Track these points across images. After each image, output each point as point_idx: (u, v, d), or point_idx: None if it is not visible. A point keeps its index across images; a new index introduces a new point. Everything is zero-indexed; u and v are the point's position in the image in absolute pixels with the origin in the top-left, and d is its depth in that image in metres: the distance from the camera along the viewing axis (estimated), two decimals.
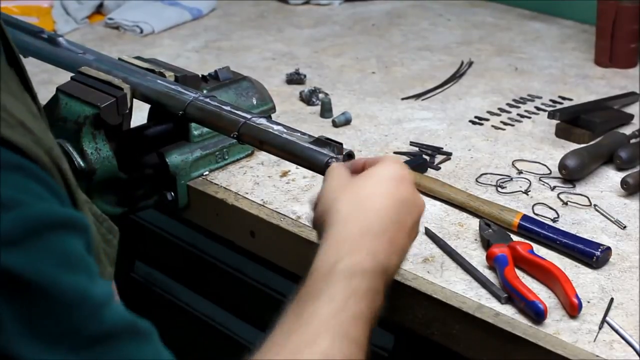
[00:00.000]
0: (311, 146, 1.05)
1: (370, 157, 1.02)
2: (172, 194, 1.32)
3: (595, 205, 1.27)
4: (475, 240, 1.20)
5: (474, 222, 1.23)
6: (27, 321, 0.62)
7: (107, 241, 0.83)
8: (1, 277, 0.61)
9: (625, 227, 1.22)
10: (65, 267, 0.64)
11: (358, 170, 0.99)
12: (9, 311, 0.61)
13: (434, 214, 1.26)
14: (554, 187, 1.32)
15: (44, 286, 0.62)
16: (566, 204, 1.28)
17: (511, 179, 1.35)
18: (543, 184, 1.33)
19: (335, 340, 0.79)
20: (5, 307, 0.61)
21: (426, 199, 1.29)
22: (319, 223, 0.94)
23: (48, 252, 0.63)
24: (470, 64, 1.80)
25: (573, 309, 1.04)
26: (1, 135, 0.63)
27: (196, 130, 1.32)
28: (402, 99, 1.65)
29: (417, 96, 1.66)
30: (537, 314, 1.03)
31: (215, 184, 1.34)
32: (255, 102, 1.39)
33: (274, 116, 1.38)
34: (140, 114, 1.36)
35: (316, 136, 1.07)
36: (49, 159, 0.67)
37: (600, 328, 1.02)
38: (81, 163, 1.23)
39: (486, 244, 1.17)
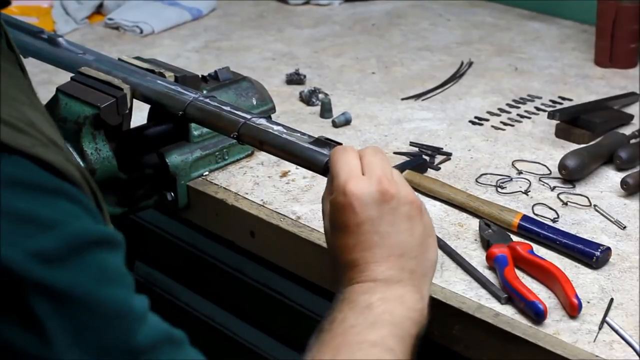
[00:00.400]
0: (311, 146, 1.05)
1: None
2: (172, 194, 1.32)
3: (595, 205, 1.27)
4: (475, 240, 1.20)
5: (474, 223, 1.23)
6: (74, 334, 0.64)
7: None
8: (47, 294, 0.63)
9: (625, 227, 1.22)
10: (105, 282, 0.67)
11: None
12: (56, 325, 0.64)
13: (434, 214, 1.26)
14: (554, 187, 1.32)
15: (87, 301, 0.65)
16: (566, 204, 1.28)
17: (511, 179, 1.35)
18: (543, 184, 1.33)
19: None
20: (53, 321, 0.63)
21: (426, 199, 1.29)
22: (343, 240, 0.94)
23: (88, 269, 0.66)
24: (470, 64, 1.80)
25: (573, 309, 1.04)
26: (37, 155, 0.66)
27: (196, 130, 1.32)
28: (402, 99, 1.65)
29: (417, 96, 1.66)
30: (537, 314, 1.03)
31: (215, 184, 1.34)
32: (255, 103, 1.39)
33: (273, 116, 1.38)
34: (140, 114, 1.36)
35: (316, 136, 1.07)
36: (80, 174, 0.69)
37: (600, 328, 1.02)
38: (81, 163, 1.22)
39: (486, 244, 1.17)
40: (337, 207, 0.92)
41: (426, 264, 0.95)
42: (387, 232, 0.91)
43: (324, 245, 1.18)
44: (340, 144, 1.04)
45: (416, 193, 0.98)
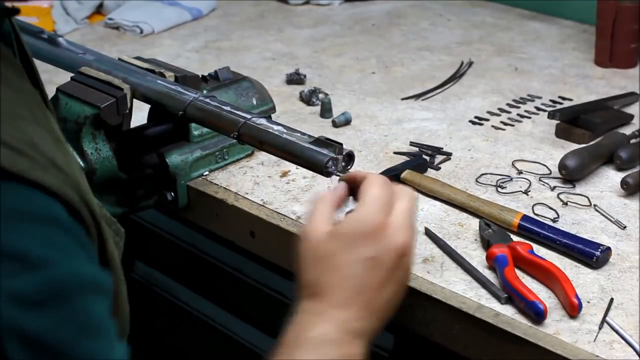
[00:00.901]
0: (311, 146, 1.05)
1: (359, 174, 0.95)
2: (172, 194, 1.32)
3: (595, 205, 1.27)
4: (475, 240, 1.20)
5: (474, 222, 1.23)
6: None
7: (115, 243, 0.84)
8: (22, 339, 0.60)
9: (625, 227, 1.22)
10: (86, 333, 0.63)
11: (343, 197, 0.94)
12: None
13: (434, 214, 1.26)
14: (554, 187, 1.32)
15: (64, 351, 0.62)
16: (566, 204, 1.28)
17: (511, 179, 1.35)
18: (543, 184, 1.33)
19: None
20: None
21: (426, 199, 1.29)
22: (297, 283, 0.90)
23: (71, 317, 0.63)
24: (470, 64, 1.80)
25: (573, 309, 1.04)
26: (35, 179, 0.63)
27: (196, 130, 1.32)
28: (402, 99, 1.65)
29: (417, 96, 1.66)
30: (537, 314, 1.03)
31: (215, 184, 1.34)
32: (255, 102, 1.39)
33: (274, 116, 1.38)
34: (140, 114, 1.36)
35: (316, 136, 1.07)
36: (79, 197, 0.67)
37: (600, 328, 1.02)
38: (81, 163, 1.22)
39: (486, 244, 1.17)
40: (356, 230, 0.86)
41: (380, 326, 0.90)
42: (381, 282, 0.87)
43: None
44: (340, 144, 1.04)
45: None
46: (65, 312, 0.62)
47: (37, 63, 1.41)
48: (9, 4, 0.79)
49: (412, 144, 1.47)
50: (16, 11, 0.80)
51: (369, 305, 0.86)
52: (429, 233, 1.21)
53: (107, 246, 0.72)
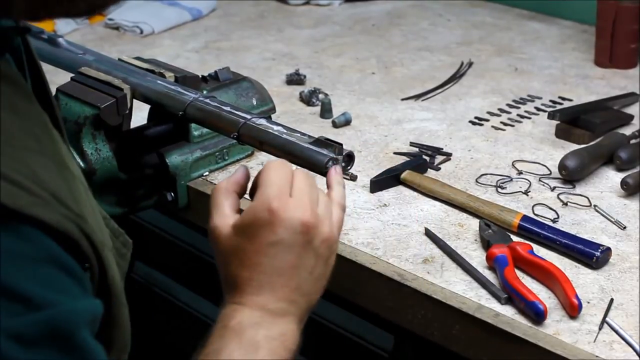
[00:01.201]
0: (311, 147, 1.05)
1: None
2: (172, 194, 1.32)
3: (595, 205, 1.27)
4: (475, 240, 1.20)
5: (474, 223, 1.23)
6: None
7: (122, 255, 0.85)
8: None
9: (625, 227, 1.22)
10: None
11: (242, 182, 0.94)
12: None
13: (434, 214, 1.26)
14: (554, 187, 1.32)
15: None
16: (566, 204, 1.28)
17: (511, 180, 1.35)
18: (543, 185, 1.33)
19: None
20: None
21: (426, 200, 1.29)
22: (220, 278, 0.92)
23: (69, 352, 0.65)
24: (470, 64, 1.80)
25: (573, 310, 1.04)
26: (34, 215, 0.64)
27: (196, 130, 1.32)
28: (402, 99, 1.65)
29: (417, 96, 1.66)
30: (537, 315, 1.03)
31: (215, 184, 1.34)
32: (255, 103, 1.39)
33: (274, 117, 1.38)
34: (140, 114, 1.36)
35: (316, 137, 1.07)
36: (79, 230, 0.68)
37: (600, 328, 1.02)
38: (81, 163, 1.23)
39: (486, 244, 1.17)
40: (254, 220, 0.87)
41: (312, 302, 0.90)
42: (293, 263, 0.87)
43: None
44: (340, 144, 1.04)
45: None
46: (64, 348, 0.65)
47: None
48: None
49: (412, 144, 1.47)
50: (27, 30, 0.80)
51: (286, 286, 0.87)
52: (429, 233, 1.21)
53: (108, 273, 0.73)
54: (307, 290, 0.88)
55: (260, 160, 1.40)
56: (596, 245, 1.14)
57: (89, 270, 0.70)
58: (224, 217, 0.91)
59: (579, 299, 1.04)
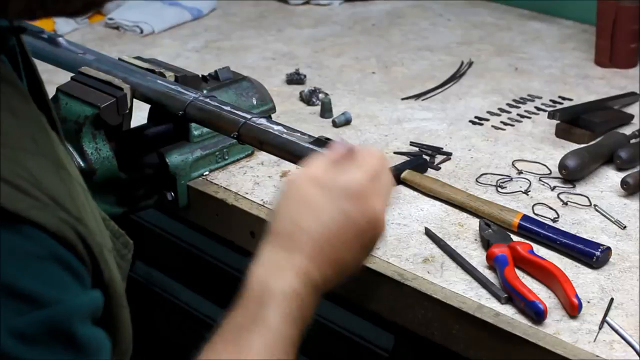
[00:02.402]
0: (311, 146, 1.05)
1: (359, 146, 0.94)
2: (172, 194, 1.32)
3: (595, 205, 1.27)
4: (475, 240, 1.20)
5: (474, 222, 1.23)
6: None
7: (122, 256, 0.85)
8: None
9: (625, 227, 1.22)
10: (87, 355, 0.67)
11: (341, 157, 0.92)
12: None
13: (434, 214, 1.26)
14: (554, 187, 1.32)
15: None
16: (566, 204, 1.28)
17: (511, 179, 1.35)
18: (543, 184, 1.33)
19: None
20: None
21: (426, 199, 1.29)
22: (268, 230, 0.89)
23: (71, 346, 0.66)
24: (470, 64, 1.80)
25: (573, 309, 1.04)
26: (32, 218, 0.65)
27: (196, 130, 1.32)
28: (402, 99, 1.65)
29: (417, 96, 1.66)
30: (537, 314, 1.03)
31: (215, 184, 1.34)
32: (255, 102, 1.39)
33: (274, 116, 1.38)
34: (140, 114, 1.36)
35: (316, 136, 1.07)
36: (76, 234, 0.68)
37: (600, 328, 1.02)
38: (81, 163, 1.23)
39: (486, 244, 1.17)
40: (363, 193, 0.87)
41: (331, 284, 0.88)
42: (347, 249, 0.87)
43: None
44: None
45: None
46: (67, 345, 0.66)
47: (37, 63, 1.41)
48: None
49: (412, 143, 1.47)
50: (22, 29, 0.80)
51: (332, 260, 0.86)
52: (429, 233, 1.21)
53: (105, 275, 0.73)
54: (342, 273, 0.88)
55: (260, 160, 1.40)
56: (596, 245, 1.14)
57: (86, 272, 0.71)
58: (315, 168, 0.89)
59: (579, 299, 1.04)
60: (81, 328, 0.67)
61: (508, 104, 1.61)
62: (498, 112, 1.58)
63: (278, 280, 0.84)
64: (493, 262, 1.12)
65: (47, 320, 0.65)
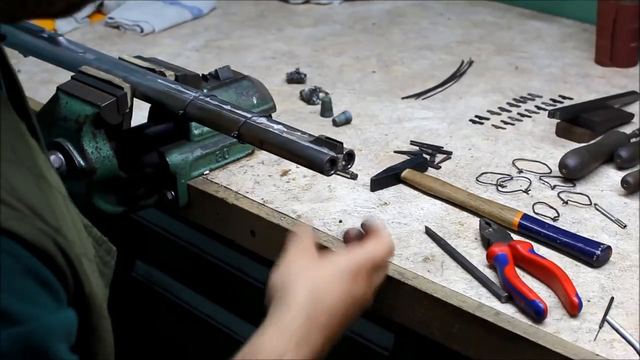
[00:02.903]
0: (311, 145, 1.05)
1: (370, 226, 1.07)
2: (173, 193, 1.32)
3: (595, 204, 1.27)
4: (476, 239, 1.20)
5: (474, 221, 1.23)
6: None
7: (105, 263, 0.84)
8: None
9: (625, 226, 1.22)
10: None
11: (353, 239, 1.08)
12: None
13: (435, 213, 1.26)
14: (554, 186, 1.32)
15: None
16: (566, 203, 1.28)
17: (511, 178, 1.35)
18: (543, 183, 1.33)
19: None
20: None
21: (427, 198, 1.29)
22: (273, 292, 0.98)
23: None
24: (471, 63, 1.80)
25: (573, 308, 1.04)
26: (11, 229, 0.64)
27: (196, 129, 1.32)
28: (403, 98, 1.65)
29: (417, 95, 1.66)
30: (537, 313, 1.03)
31: (216, 183, 1.34)
32: (255, 102, 1.39)
33: (274, 115, 1.38)
34: (140, 113, 1.36)
35: (316, 135, 1.07)
36: (54, 244, 0.68)
37: (600, 327, 1.02)
38: (81, 162, 1.23)
39: (486, 243, 1.17)
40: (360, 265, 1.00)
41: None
42: (347, 315, 0.99)
43: (325, 244, 1.18)
44: (341, 143, 1.04)
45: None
46: None
47: (38, 62, 1.41)
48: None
49: (412, 143, 1.47)
50: (2, 37, 0.79)
51: (332, 333, 0.97)
52: (429, 232, 1.21)
53: (85, 286, 0.72)
54: (332, 338, 0.98)
55: (260, 159, 1.40)
56: (596, 244, 1.14)
57: (65, 284, 0.70)
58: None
59: (579, 298, 1.04)
60: (56, 348, 0.66)
61: (508, 103, 1.61)
62: (498, 111, 1.58)
63: (291, 352, 0.93)
64: (493, 261, 1.12)
65: (22, 337, 0.64)
